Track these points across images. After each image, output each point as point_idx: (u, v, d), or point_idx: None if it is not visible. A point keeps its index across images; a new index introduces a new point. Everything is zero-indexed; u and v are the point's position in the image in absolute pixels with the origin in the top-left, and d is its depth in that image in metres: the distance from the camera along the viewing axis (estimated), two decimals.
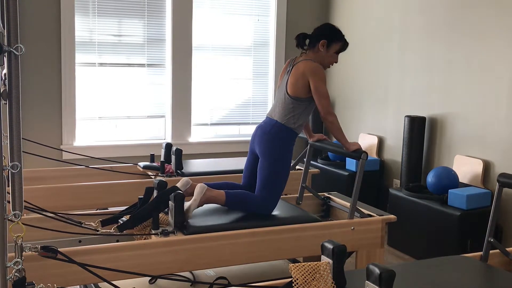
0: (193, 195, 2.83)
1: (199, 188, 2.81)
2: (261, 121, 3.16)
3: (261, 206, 2.93)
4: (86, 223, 2.74)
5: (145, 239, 2.60)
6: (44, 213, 2.68)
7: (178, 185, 2.88)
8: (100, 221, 2.80)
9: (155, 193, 2.86)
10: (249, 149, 3.19)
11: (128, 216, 2.82)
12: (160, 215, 2.78)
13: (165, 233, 2.58)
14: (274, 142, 2.98)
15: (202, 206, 2.85)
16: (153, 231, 2.63)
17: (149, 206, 2.72)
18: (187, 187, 2.88)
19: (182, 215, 2.65)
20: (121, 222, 2.77)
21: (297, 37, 3.12)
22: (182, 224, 2.65)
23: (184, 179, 2.90)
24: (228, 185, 3.10)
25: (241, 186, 3.15)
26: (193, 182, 2.94)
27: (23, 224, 1.62)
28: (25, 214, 2.80)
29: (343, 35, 3.13)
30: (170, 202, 2.67)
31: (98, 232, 2.63)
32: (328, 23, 3.19)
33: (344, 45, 3.12)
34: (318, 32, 3.09)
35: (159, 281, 2.97)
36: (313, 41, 3.08)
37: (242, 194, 2.94)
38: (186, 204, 2.75)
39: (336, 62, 3.14)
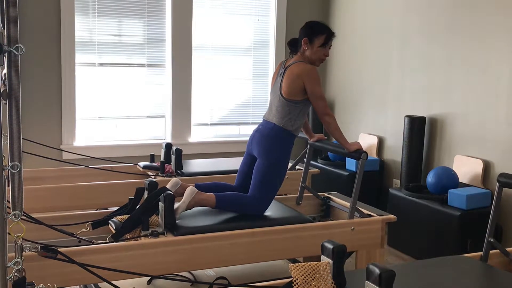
0: (183, 196, 2.83)
1: (189, 190, 2.81)
2: (258, 124, 3.16)
3: (253, 207, 2.92)
4: (78, 233, 2.72)
5: (135, 240, 2.60)
6: (38, 223, 2.65)
7: (168, 185, 2.87)
8: (91, 224, 2.79)
9: (146, 194, 2.86)
10: (246, 151, 3.18)
11: (120, 217, 2.81)
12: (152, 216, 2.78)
13: (155, 234, 2.58)
14: (273, 144, 2.97)
15: (190, 209, 2.84)
16: (143, 233, 2.63)
17: (139, 210, 2.71)
18: (177, 187, 2.87)
19: (172, 216, 2.65)
20: (112, 224, 2.76)
21: (288, 44, 3.15)
22: (172, 225, 2.65)
23: (174, 179, 2.90)
24: (219, 185, 3.09)
25: (233, 187, 3.15)
26: (183, 182, 2.92)
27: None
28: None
29: (325, 27, 3.05)
30: (160, 203, 2.67)
31: (93, 244, 2.62)
32: (308, 21, 3.12)
33: (328, 36, 3.02)
34: (300, 32, 3.08)
35: (159, 281, 2.97)
36: (299, 42, 3.07)
37: (233, 195, 2.93)
38: (175, 206, 2.75)
39: (326, 55, 3.05)
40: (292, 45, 3.13)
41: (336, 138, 3.02)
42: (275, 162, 2.96)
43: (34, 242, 2.41)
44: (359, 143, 3.04)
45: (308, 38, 3.01)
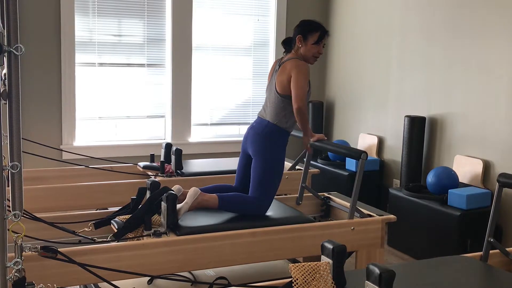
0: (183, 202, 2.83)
1: (192, 191, 2.81)
2: (252, 121, 3.17)
3: (255, 206, 2.93)
4: (79, 231, 2.72)
5: (137, 240, 2.59)
6: (39, 220, 2.65)
7: None
8: (93, 223, 2.79)
9: (148, 194, 2.86)
10: (241, 150, 3.19)
11: (122, 217, 2.81)
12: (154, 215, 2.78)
13: (157, 234, 2.58)
14: (267, 142, 2.99)
15: (193, 210, 2.85)
16: (145, 232, 2.63)
17: (141, 210, 2.71)
18: (179, 194, 2.87)
19: (175, 216, 2.65)
20: (114, 224, 2.76)
21: (282, 42, 3.19)
22: (175, 225, 2.65)
23: (177, 186, 2.90)
24: (220, 188, 3.10)
25: (233, 187, 3.15)
26: (184, 190, 2.92)
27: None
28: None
29: (319, 25, 3.09)
30: (162, 203, 2.67)
31: (94, 242, 2.61)
32: (302, 19, 3.18)
33: (321, 34, 3.08)
34: (294, 30, 3.13)
35: (159, 281, 2.97)
36: (293, 40, 3.12)
37: (235, 196, 2.94)
38: (177, 206, 2.75)
39: (320, 52, 3.10)
40: (286, 44, 3.18)
41: (302, 126, 3.07)
42: (271, 160, 2.98)
43: (35, 239, 2.42)
44: (323, 135, 3.17)
45: (302, 35, 3.06)
